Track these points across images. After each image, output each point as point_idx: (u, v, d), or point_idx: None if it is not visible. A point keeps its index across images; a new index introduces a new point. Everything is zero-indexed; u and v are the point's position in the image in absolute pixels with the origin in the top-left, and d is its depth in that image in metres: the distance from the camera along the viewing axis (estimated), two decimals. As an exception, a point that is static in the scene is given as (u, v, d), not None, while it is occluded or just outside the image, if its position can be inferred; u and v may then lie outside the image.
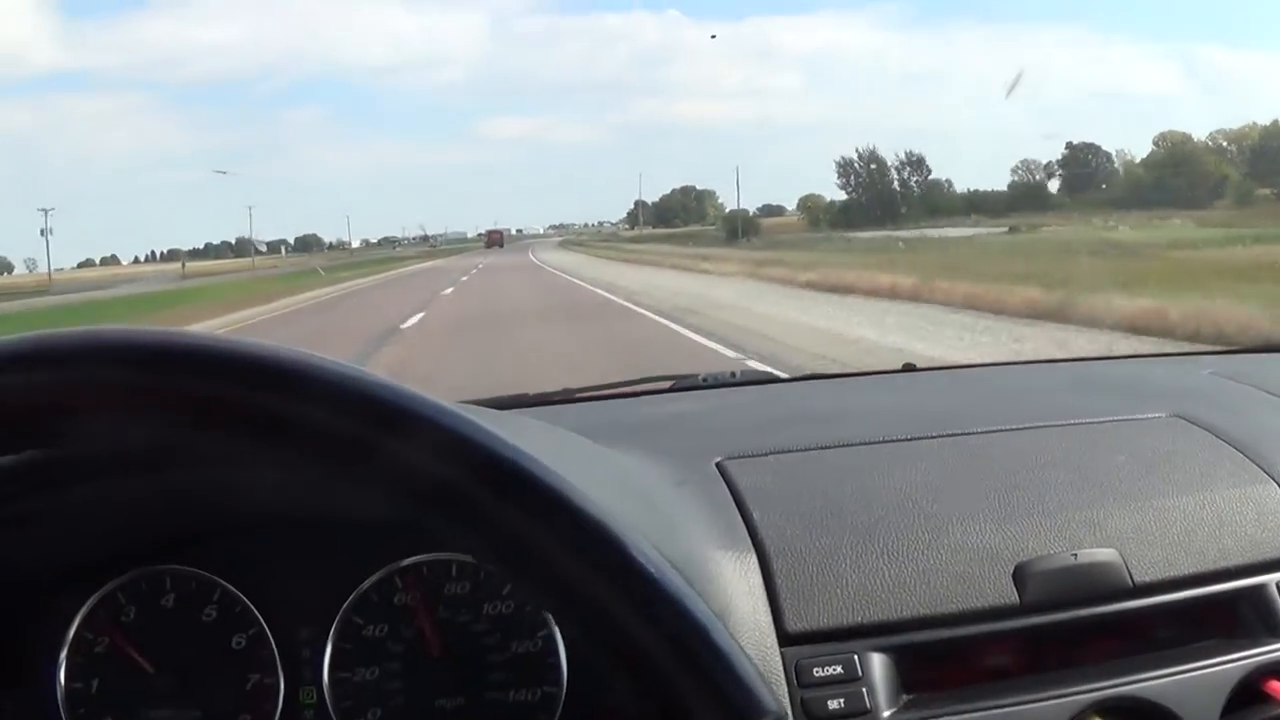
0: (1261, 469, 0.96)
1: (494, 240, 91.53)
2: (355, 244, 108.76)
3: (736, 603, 0.78)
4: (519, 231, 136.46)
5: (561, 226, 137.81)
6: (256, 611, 0.86)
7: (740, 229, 52.46)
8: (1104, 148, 59.41)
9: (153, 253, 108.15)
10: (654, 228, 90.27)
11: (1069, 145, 61.39)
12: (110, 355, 0.50)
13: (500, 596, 0.86)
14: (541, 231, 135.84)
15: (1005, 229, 36.10)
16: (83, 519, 0.78)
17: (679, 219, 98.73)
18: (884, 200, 59.37)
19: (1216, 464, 0.97)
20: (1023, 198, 54.47)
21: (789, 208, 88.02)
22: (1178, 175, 49.93)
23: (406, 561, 0.87)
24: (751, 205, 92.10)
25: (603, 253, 45.78)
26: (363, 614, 0.86)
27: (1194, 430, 1.04)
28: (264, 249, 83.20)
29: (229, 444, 0.54)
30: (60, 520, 0.77)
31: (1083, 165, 61.96)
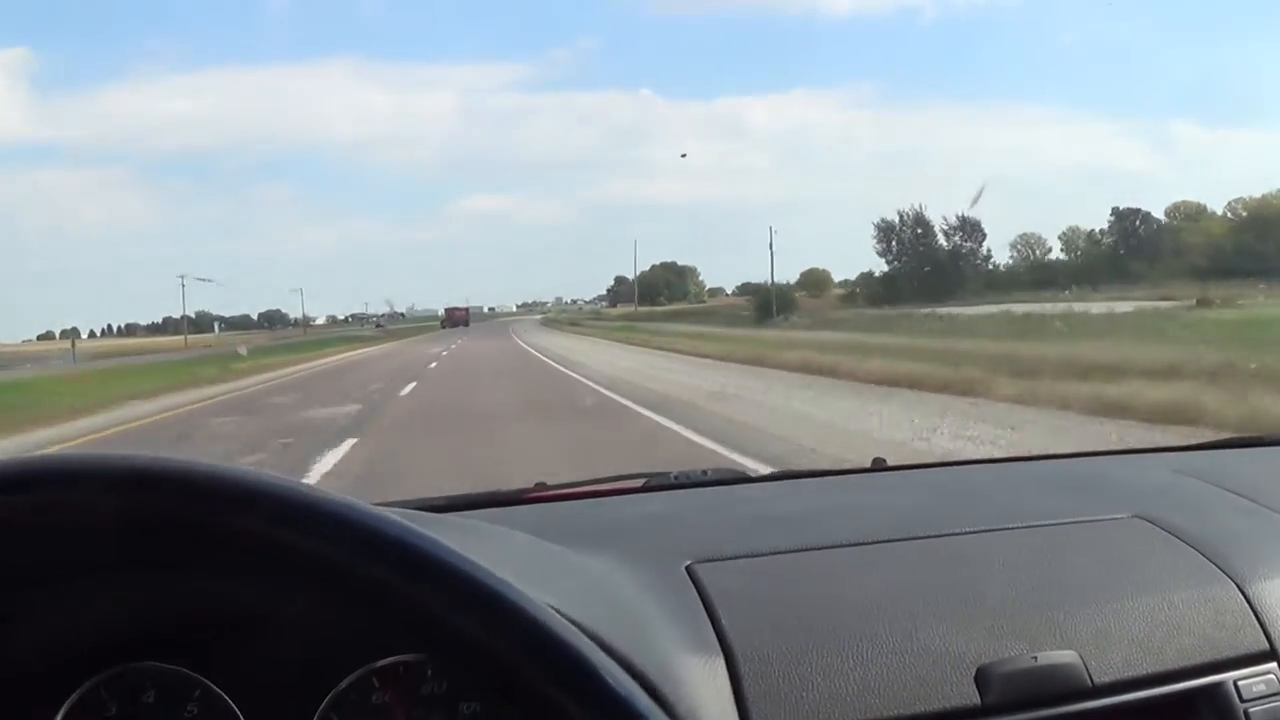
0: (1220, 569, 1.00)
1: (457, 319, 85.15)
2: (321, 320, 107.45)
3: (705, 706, 0.80)
4: (491, 310, 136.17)
5: (532, 305, 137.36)
6: (237, 709, 0.88)
7: (775, 305, 41.38)
8: (1153, 214, 51.19)
9: (109, 326, 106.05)
10: (637, 305, 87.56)
11: (1115, 211, 51.95)
12: (56, 478, 0.56)
13: (476, 696, 0.88)
14: (514, 309, 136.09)
15: (1191, 302, 30.46)
16: (61, 616, 0.81)
17: (663, 296, 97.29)
18: (938, 270, 48.91)
19: (1176, 565, 1.01)
20: (1093, 268, 44.57)
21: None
22: (1262, 240, 46.31)
23: (382, 662, 0.88)
24: (729, 284, 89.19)
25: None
26: (340, 713, 0.88)
27: (1155, 531, 1.08)
28: (219, 326, 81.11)
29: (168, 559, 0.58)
30: (39, 617, 0.80)
31: (1131, 233, 52.23)
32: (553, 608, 0.63)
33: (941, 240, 54.93)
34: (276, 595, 0.76)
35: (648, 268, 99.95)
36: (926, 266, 50.62)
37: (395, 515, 0.58)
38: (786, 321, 37.10)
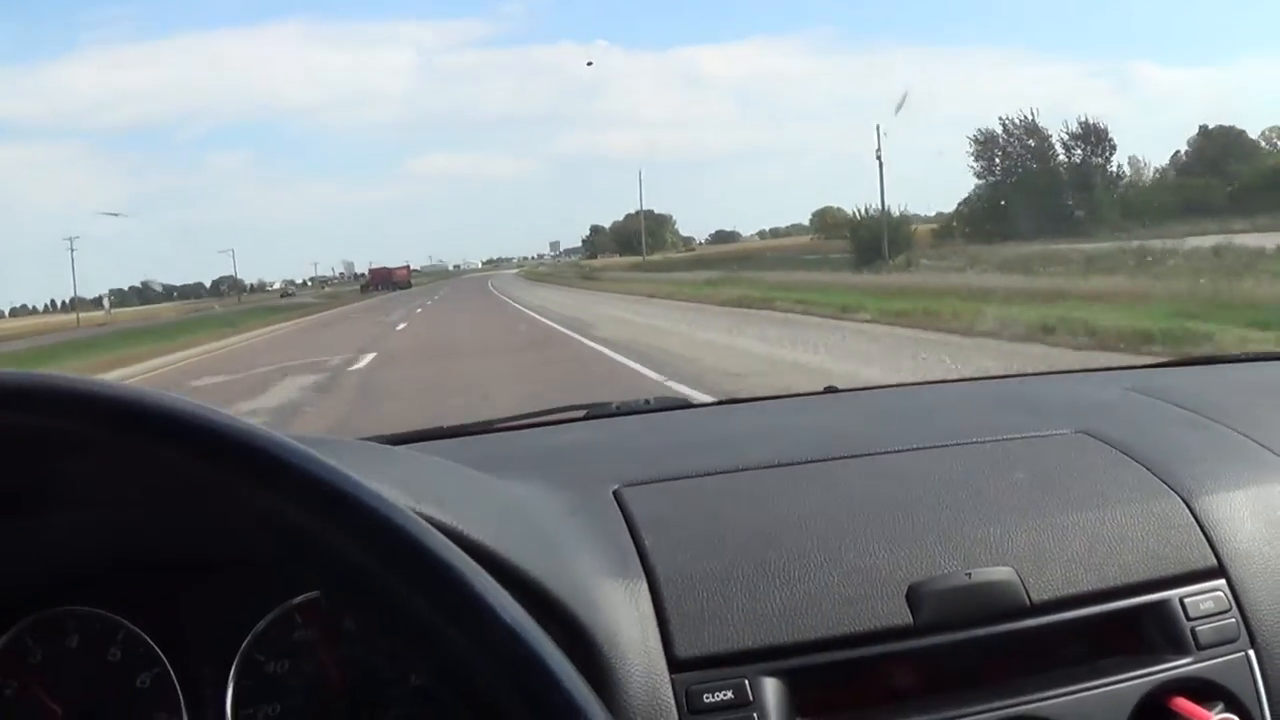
0: (1166, 484, 1.01)
1: (391, 279, 73.37)
2: (276, 284, 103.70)
3: (625, 630, 0.82)
4: (456, 267, 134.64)
5: (499, 260, 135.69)
6: (159, 651, 0.90)
7: (886, 243, 29.54)
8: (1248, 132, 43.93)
9: (52, 301, 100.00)
10: (617, 255, 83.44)
11: (1203, 130, 39.75)
12: (25, 400, 0.54)
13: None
14: (479, 265, 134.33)
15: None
16: None
17: (642, 245, 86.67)
18: (1057, 192, 36.53)
19: (1120, 480, 1.02)
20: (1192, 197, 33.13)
21: (743, 234, 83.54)
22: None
23: (301, 597, 0.90)
24: (701, 234, 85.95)
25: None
26: (263, 651, 0.90)
27: (1099, 446, 1.09)
28: (109, 301, 76.22)
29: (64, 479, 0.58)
30: None
31: (1222, 156, 39.58)
32: (459, 530, 0.65)
33: (1060, 153, 41.88)
34: (188, 528, 0.76)
35: (621, 217, 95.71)
36: (1036, 189, 38.16)
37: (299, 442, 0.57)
38: (909, 265, 28.77)
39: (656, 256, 74.97)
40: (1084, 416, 1.18)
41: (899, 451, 1.10)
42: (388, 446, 0.99)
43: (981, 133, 42.35)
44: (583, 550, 0.88)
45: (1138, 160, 45.95)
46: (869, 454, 1.10)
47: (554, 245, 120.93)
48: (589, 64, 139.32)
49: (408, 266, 76.21)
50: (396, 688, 0.90)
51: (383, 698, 0.90)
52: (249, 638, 0.90)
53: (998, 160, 42.29)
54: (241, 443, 0.54)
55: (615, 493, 1.00)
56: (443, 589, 0.53)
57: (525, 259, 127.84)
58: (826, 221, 66.16)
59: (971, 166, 43.08)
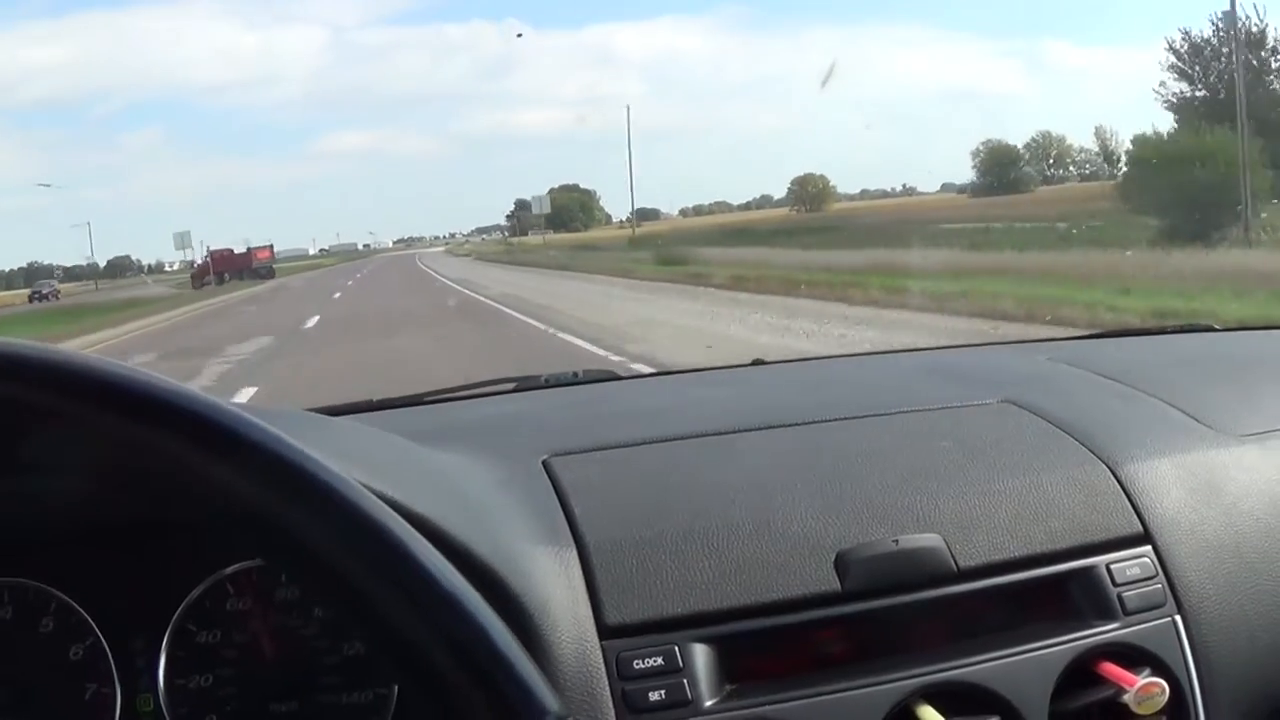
0: (1091, 451, 1.05)
1: (238, 263, 51.77)
2: (175, 265, 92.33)
3: (555, 597, 0.85)
4: (366, 246, 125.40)
5: (410, 240, 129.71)
6: (92, 621, 0.92)
7: (1248, 197, 17.90)
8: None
9: None
10: (550, 232, 74.04)
11: None
12: None
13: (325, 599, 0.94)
14: (390, 245, 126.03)
15: None
16: None
17: (578, 222, 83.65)
18: None
19: (1045, 448, 1.07)
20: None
21: (665, 211, 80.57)
22: None
23: (234, 567, 0.93)
24: (619, 212, 79.46)
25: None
26: (195, 621, 0.93)
27: (1023, 415, 1.13)
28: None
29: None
30: None
31: None
32: (395, 499, 0.66)
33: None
34: (118, 496, 0.79)
35: (544, 191, 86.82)
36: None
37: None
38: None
39: (596, 233, 71.43)
40: (1008, 386, 1.22)
41: (825, 421, 1.14)
42: (326, 417, 1.03)
43: (1190, 35, 27.91)
44: (513, 519, 0.91)
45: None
46: (796, 424, 1.13)
47: (473, 225, 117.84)
48: (519, 35, 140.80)
49: (270, 247, 57.29)
50: (330, 657, 0.93)
51: (316, 668, 0.92)
52: (181, 608, 0.92)
53: (1209, 76, 27.67)
54: (185, 409, 0.53)
55: (544, 462, 1.03)
56: (386, 558, 0.53)
57: (437, 238, 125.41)
58: (808, 191, 56.10)
59: (1159, 92, 28.35)
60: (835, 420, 1.14)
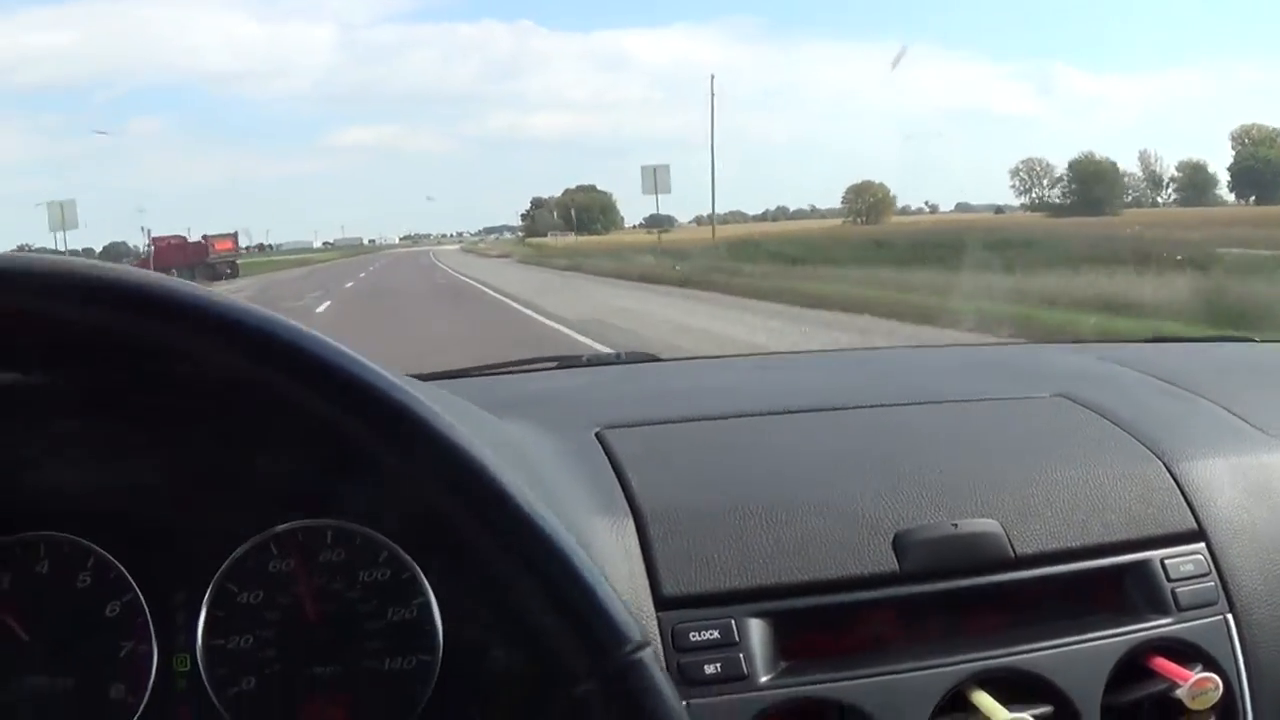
0: (1146, 447, 1.06)
1: (189, 258, 40.85)
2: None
3: (613, 567, 0.85)
4: (371, 241, 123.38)
5: (416, 236, 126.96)
6: (130, 578, 0.91)
7: None
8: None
9: None
10: (569, 234, 70.37)
11: None
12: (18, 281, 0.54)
13: (376, 564, 0.93)
14: (396, 241, 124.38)
15: None
16: None
17: (599, 224, 77.57)
18: None
19: (1101, 442, 1.07)
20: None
21: (681, 219, 74.62)
22: None
23: (281, 527, 0.92)
24: (633, 218, 75.34)
25: None
26: (237, 581, 0.91)
27: (1078, 409, 1.13)
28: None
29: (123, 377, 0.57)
30: None
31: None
32: None
33: None
34: (162, 451, 0.79)
35: (559, 193, 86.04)
36: None
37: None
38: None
39: (618, 236, 67.47)
40: (1060, 381, 1.21)
41: (881, 406, 1.15)
42: (418, 380, 1.03)
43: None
44: (571, 488, 0.92)
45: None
46: (851, 407, 1.14)
47: (481, 224, 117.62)
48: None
49: (234, 237, 46.49)
50: (374, 622, 0.92)
51: (359, 632, 0.92)
52: (223, 567, 0.91)
53: None
54: (292, 344, 0.53)
55: (598, 434, 1.04)
56: (483, 496, 0.53)
57: (445, 236, 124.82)
58: (865, 201, 49.84)
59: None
60: (891, 405, 1.15)
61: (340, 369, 0.52)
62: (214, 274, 38.47)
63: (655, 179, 29.74)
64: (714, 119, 37.27)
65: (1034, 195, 64.97)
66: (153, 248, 41.28)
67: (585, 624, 0.52)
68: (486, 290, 23.29)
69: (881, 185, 55.77)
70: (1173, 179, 54.99)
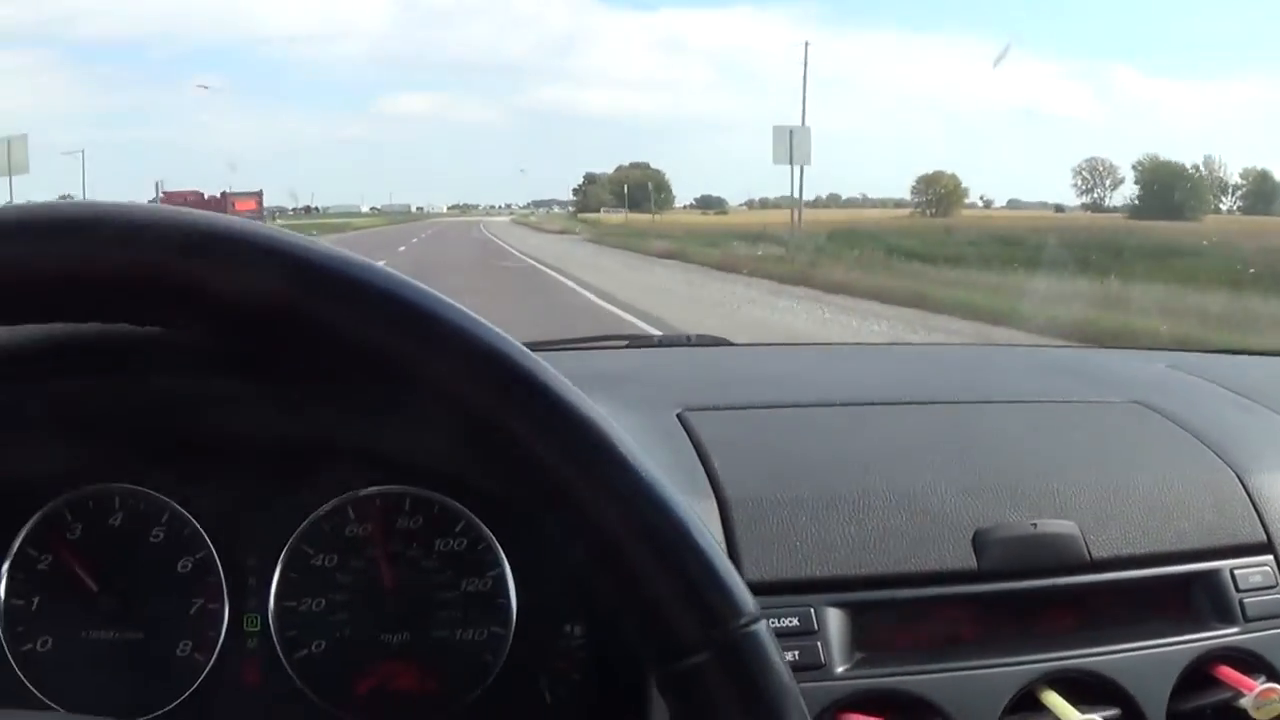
0: (1220, 458, 1.06)
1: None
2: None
3: None
4: (419, 209, 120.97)
5: (464, 207, 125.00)
6: (205, 535, 0.92)
7: None
8: None
9: None
10: (621, 211, 68.06)
11: None
12: (101, 229, 0.47)
13: (453, 533, 0.94)
14: (444, 210, 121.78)
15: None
16: (33, 430, 0.85)
17: (654, 202, 73.48)
18: None
19: (1176, 450, 1.08)
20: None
21: (731, 202, 74.47)
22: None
23: (360, 492, 0.93)
24: (685, 198, 76.89)
25: None
26: (313, 544, 0.92)
27: (1153, 416, 1.14)
28: None
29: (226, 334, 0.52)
30: (9, 428, 0.84)
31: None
32: None
33: None
34: (269, 411, 0.79)
35: (612, 170, 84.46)
36: None
37: None
38: None
39: (664, 216, 65.26)
40: (1134, 388, 1.22)
41: (961, 403, 1.15)
42: None
43: None
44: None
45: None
46: (931, 402, 1.14)
47: (529, 197, 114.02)
48: None
49: (258, 196, 39.59)
50: (448, 592, 0.93)
51: (432, 601, 0.93)
52: (300, 529, 0.91)
53: None
54: (386, 291, 0.49)
55: (679, 416, 1.04)
56: (595, 455, 0.52)
57: (493, 207, 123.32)
58: (937, 191, 48.33)
59: None
60: (970, 402, 1.15)
61: (477, 339, 0.50)
62: None
63: (791, 144, 22.09)
64: (805, 92, 35.02)
65: (1095, 195, 63.22)
66: (164, 204, 35.37)
67: (700, 593, 0.50)
68: (593, 299, 14.66)
69: (952, 176, 54.27)
70: (1236, 186, 53.39)
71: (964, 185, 55.04)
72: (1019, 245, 22.82)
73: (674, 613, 0.50)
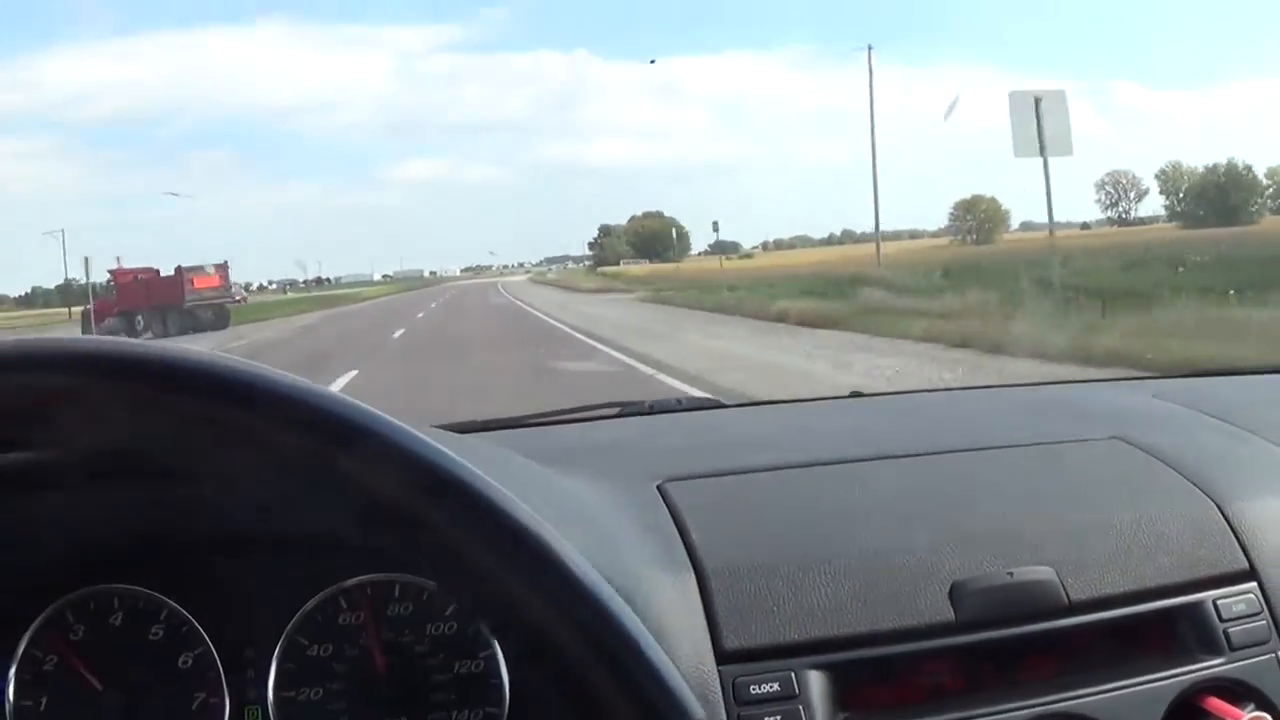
0: (1199, 489, 1.08)
1: (153, 298, 29.14)
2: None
3: (674, 621, 0.88)
4: (433, 274, 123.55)
5: (477, 268, 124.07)
6: (203, 631, 0.96)
7: None
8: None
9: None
10: (642, 261, 67.33)
11: None
12: (84, 363, 0.55)
13: (443, 617, 0.97)
14: (457, 273, 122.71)
15: None
16: (34, 534, 0.89)
17: (671, 251, 71.05)
18: None
19: (1154, 484, 1.10)
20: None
21: (744, 245, 72.83)
22: None
23: (350, 582, 0.96)
24: (698, 244, 70.53)
25: None
26: (307, 634, 0.96)
27: (1133, 451, 1.15)
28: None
29: (186, 451, 0.58)
30: (12, 535, 0.88)
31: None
32: None
33: None
34: (233, 506, 0.81)
35: (625, 220, 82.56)
36: None
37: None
38: None
39: (686, 264, 64.06)
40: (1116, 422, 1.24)
41: (937, 454, 1.17)
42: (454, 434, 1.06)
43: None
44: (631, 542, 0.94)
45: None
46: (908, 455, 1.16)
47: (542, 254, 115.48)
48: (652, 61, 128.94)
49: (223, 268, 30.92)
50: (441, 675, 0.96)
51: (427, 685, 0.96)
52: (293, 621, 0.95)
53: None
54: (335, 415, 0.54)
55: (659, 487, 1.06)
56: (538, 564, 0.54)
57: (505, 266, 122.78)
58: (977, 217, 45.86)
59: None
60: (946, 453, 1.17)
61: (402, 449, 0.53)
62: (194, 323, 28.12)
63: (1039, 121, 12.50)
64: (873, 103, 31.72)
65: (1120, 209, 60.89)
66: (114, 284, 30.57)
67: (647, 699, 0.53)
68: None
69: (992, 199, 52.35)
70: (1264, 187, 51.42)
71: (1005, 208, 52.79)
72: (1143, 267, 19.57)
73: (619, 713, 0.54)
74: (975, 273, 20.86)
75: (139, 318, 28.59)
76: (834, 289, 20.87)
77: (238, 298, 33.27)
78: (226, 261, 31.11)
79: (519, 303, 32.11)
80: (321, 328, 26.30)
